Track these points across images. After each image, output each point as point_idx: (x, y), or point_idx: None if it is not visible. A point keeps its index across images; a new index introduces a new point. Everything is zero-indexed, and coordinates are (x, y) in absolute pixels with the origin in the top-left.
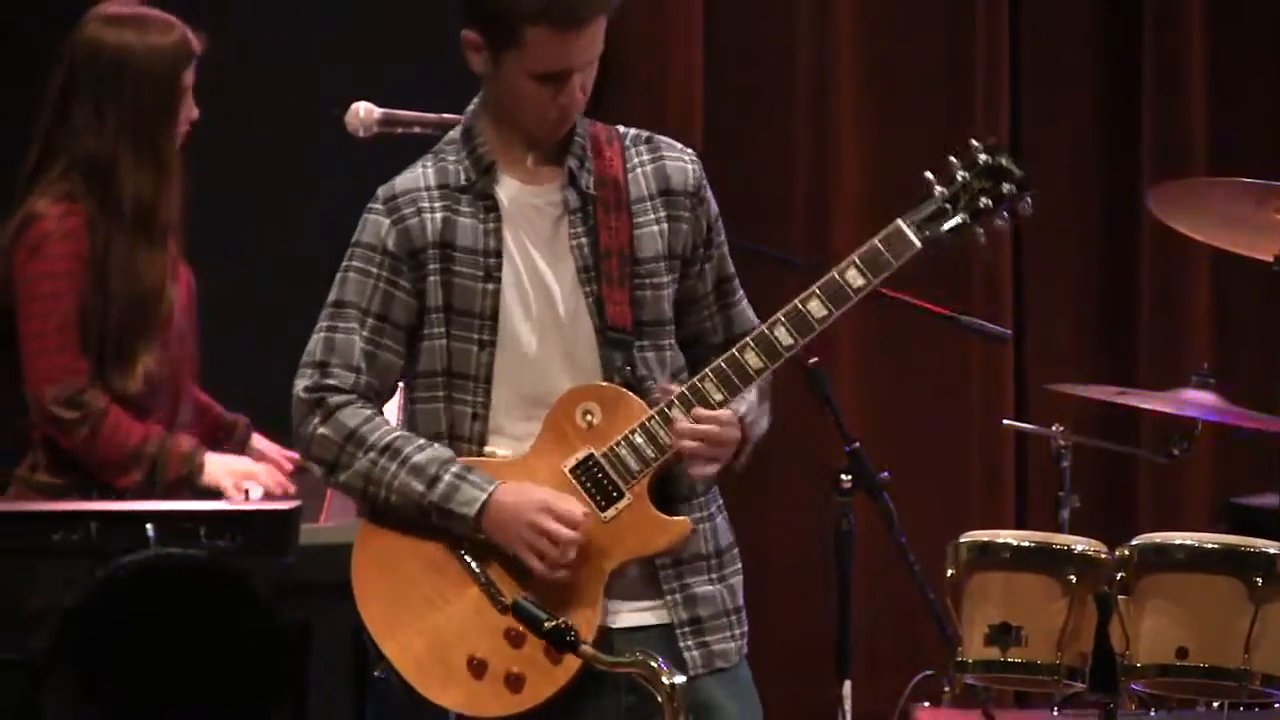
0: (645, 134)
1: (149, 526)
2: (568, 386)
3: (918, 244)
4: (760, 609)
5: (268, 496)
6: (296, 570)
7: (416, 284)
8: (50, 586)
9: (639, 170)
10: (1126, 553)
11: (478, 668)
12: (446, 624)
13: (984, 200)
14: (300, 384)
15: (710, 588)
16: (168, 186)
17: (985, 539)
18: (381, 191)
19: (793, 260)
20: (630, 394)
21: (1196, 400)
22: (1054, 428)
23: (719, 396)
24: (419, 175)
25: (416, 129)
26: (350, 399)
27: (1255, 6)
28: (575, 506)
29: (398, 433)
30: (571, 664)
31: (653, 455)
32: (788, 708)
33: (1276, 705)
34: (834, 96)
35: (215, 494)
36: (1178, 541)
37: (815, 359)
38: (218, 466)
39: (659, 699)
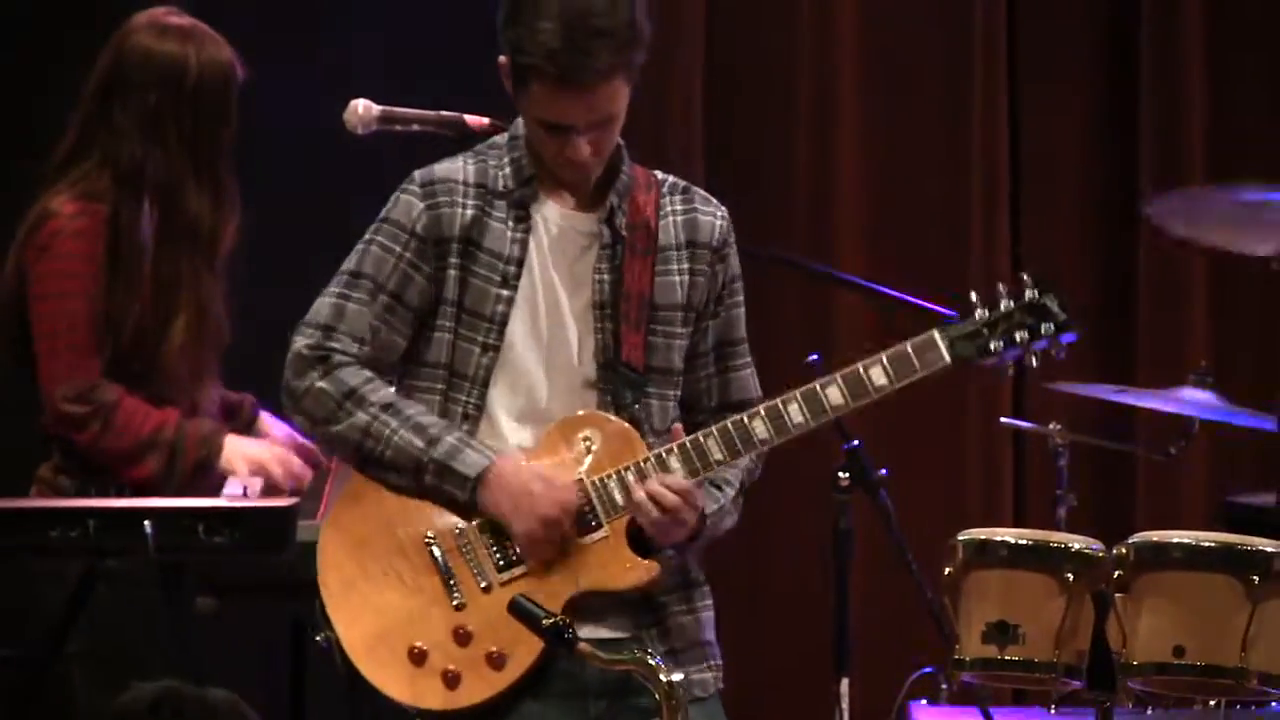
0: (682, 184)
1: (146, 524)
2: (559, 407)
3: (947, 359)
4: (759, 607)
5: (270, 491)
6: (294, 567)
7: (436, 272)
8: (48, 584)
9: (670, 219)
10: (1124, 551)
11: (417, 657)
12: (398, 609)
13: (1020, 334)
14: (302, 341)
15: (683, 619)
16: (225, 219)
17: (983, 537)
18: (419, 174)
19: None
20: (633, 431)
21: (1194, 399)
22: (1051, 426)
23: (719, 456)
24: (459, 168)
25: (415, 126)
26: (352, 360)
27: (1253, 3)
28: (570, 493)
29: (399, 398)
30: (511, 673)
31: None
32: (786, 705)
33: (1273, 705)
34: (835, 96)
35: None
36: (1175, 540)
37: (814, 356)
38: (233, 450)
39: (656, 696)
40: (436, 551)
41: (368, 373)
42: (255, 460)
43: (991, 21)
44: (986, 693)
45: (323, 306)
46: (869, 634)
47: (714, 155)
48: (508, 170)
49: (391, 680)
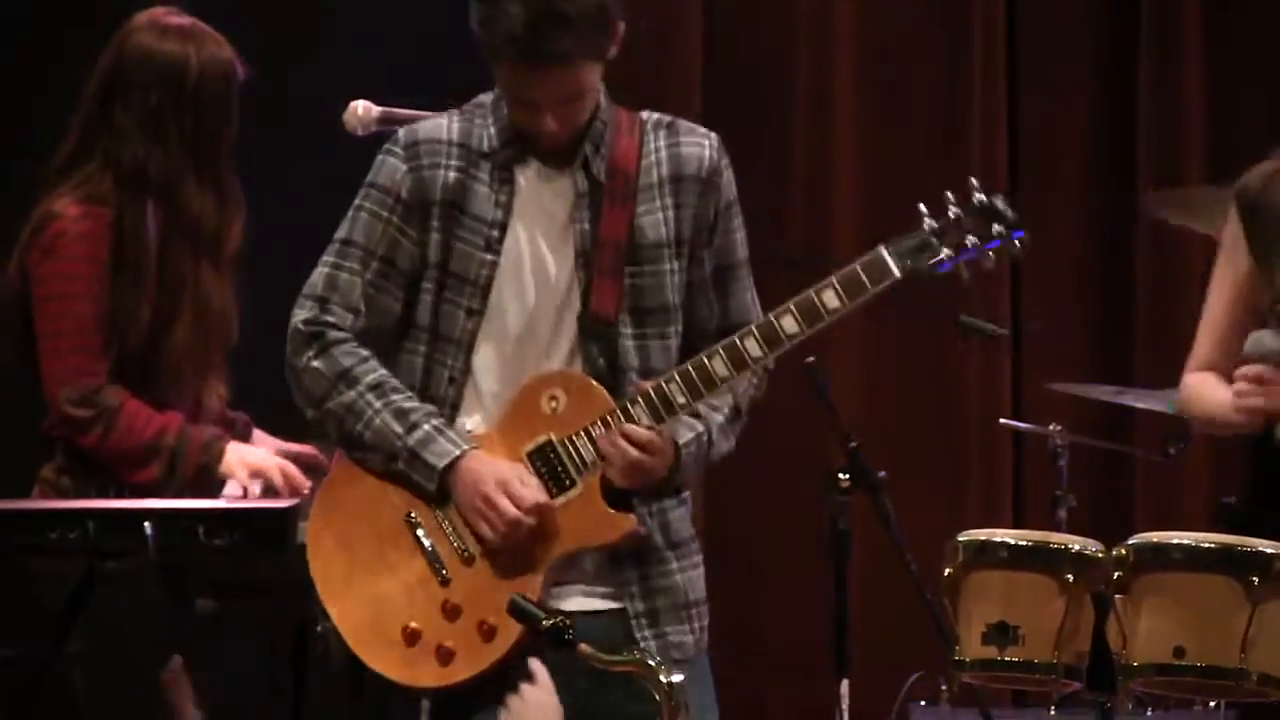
0: (667, 119)
1: (146, 525)
2: (544, 368)
3: (896, 273)
4: (758, 607)
5: (269, 494)
6: (293, 568)
7: (421, 235)
8: (48, 585)
9: (654, 156)
10: (1123, 552)
11: (411, 637)
12: (389, 592)
13: (971, 238)
14: (299, 315)
15: (668, 580)
16: (230, 218)
17: (983, 538)
18: (403, 134)
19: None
20: (598, 386)
21: None
22: (1051, 427)
23: (682, 400)
24: (443, 126)
25: None
26: (347, 337)
27: (1252, 5)
28: (531, 491)
29: (390, 379)
30: (501, 645)
31: None
32: (786, 706)
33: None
34: (832, 94)
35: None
36: (1175, 541)
37: (813, 357)
38: (234, 457)
39: (656, 697)
40: (419, 529)
41: (363, 351)
42: (257, 467)
43: (990, 20)
44: (986, 694)
45: (318, 277)
46: (869, 635)
47: None
48: (492, 130)
49: (388, 662)
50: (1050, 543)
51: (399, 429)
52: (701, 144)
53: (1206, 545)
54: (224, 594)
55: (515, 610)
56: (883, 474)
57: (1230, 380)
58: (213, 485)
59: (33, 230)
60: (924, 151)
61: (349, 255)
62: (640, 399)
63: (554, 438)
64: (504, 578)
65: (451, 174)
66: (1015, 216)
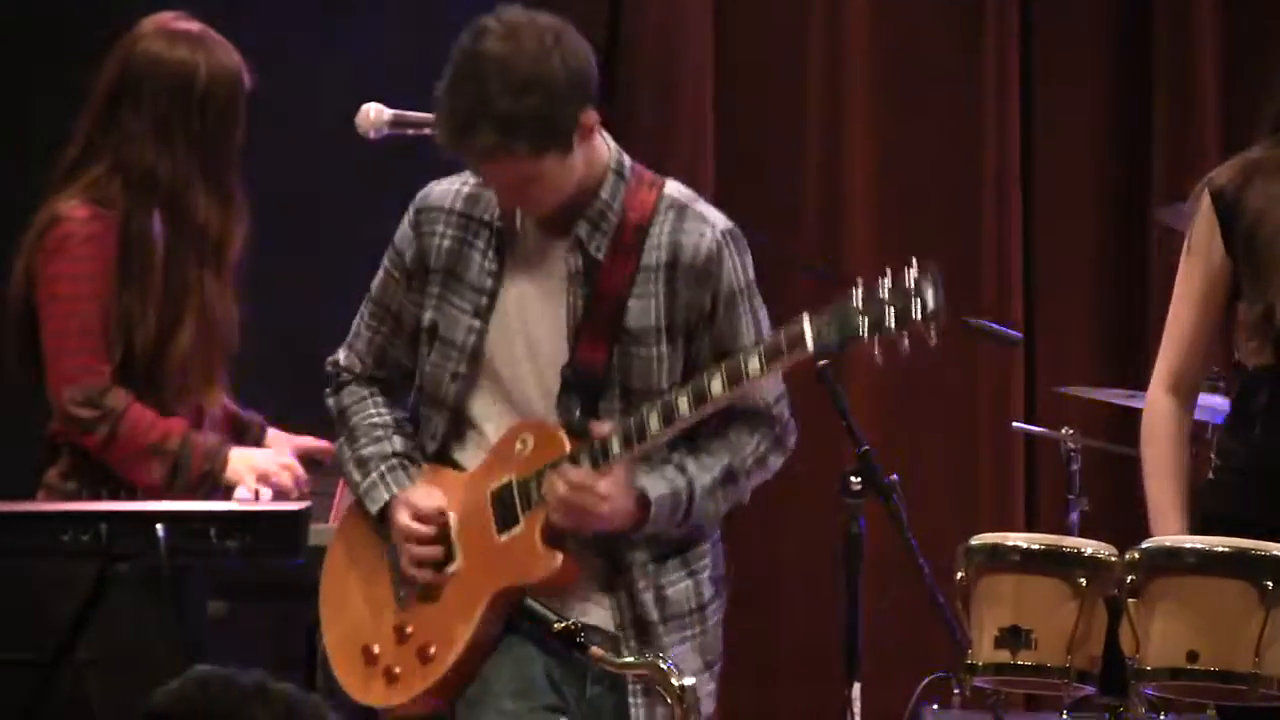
0: (683, 202)
1: (159, 527)
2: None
3: (810, 349)
4: (770, 610)
5: (280, 496)
6: (306, 571)
7: (420, 297)
8: (59, 587)
9: (657, 240)
10: (1136, 555)
11: (369, 658)
12: (359, 613)
13: (889, 318)
14: (331, 356)
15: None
16: (233, 225)
17: (995, 541)
18: (419, 196)
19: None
20: (559, 432)
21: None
22: (1063, 431)
23: (617, 450)
24: (452, 192)
25: (427, 130)
26: (354, 379)
27: (1266, 9)
28: (431, 500)
29: (371, 419)
30: (438, 667)
31: None
32: (797, 709)
33: None
34: (845, 94)
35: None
36: (1188, 544)
37: (825, 360)
38: (240, 462)
39: (668, 700)
40: (391, 557)
41: (364, 390)
42: (262, 470)
43: (1004, 20)
44: (999, 698)
45: (355, 322)
46: (880, 638)
47: (724, 154)
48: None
49: (351, 681)
50: (1063, 546)
51: (357, 477)
52: (703, 233)
53: (1220, 549)
54: (235, 596)
55: (528, 613)
56: (894, 477)
57: (1191, 387)
58: (217, 492)
59: (38, 232)
60: (938, 152)
61: (369, 307)
62: (585, 449)
63: (514, 478)
64: (449, 606)
65: (447, 242)
66: (936, 305)
